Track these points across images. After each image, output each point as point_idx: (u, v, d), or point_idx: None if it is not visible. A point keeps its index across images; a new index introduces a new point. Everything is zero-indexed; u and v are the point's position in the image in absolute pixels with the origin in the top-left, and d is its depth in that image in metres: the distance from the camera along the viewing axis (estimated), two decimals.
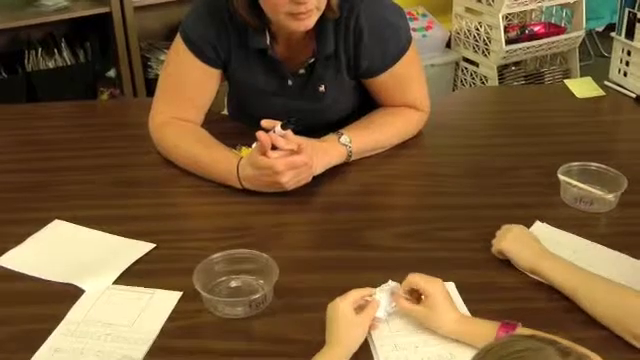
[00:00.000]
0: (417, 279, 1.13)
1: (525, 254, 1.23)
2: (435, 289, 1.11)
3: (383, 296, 1.13)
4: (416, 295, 1.14)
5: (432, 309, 1.10)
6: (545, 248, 1.24)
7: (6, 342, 1.12)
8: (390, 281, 1.16)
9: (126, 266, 1.27)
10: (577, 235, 1.34)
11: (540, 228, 1.36)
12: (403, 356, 1.07)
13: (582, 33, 3.55)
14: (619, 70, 2.03)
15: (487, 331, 1.06)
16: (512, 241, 1.25)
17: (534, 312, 1.15)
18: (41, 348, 1.09)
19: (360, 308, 1.11)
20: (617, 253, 1.29)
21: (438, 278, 1.14)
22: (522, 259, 1.23)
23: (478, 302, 1.15)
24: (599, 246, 1.31)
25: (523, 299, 1.20)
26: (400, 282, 1.15)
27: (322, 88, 1.59)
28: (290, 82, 1.59)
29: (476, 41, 3.48)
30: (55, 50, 3.02)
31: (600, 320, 1.11)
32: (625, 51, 2.02)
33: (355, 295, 1.11)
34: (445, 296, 1.12)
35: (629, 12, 1.97)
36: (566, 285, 1.16)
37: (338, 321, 1.07)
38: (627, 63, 2.01)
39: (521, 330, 1.05)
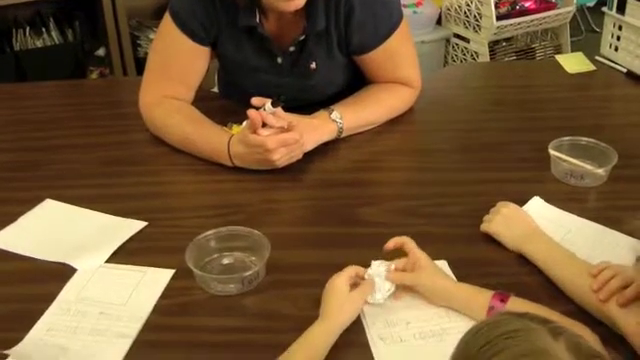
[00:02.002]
0: (410, 242, 1.16)
1: (510, 237, 1.25)
2: (422, 255, 1.15)
3: (377, 280, 1.13)
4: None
5: (425, 271, 1.13)
6: (533, 227, 1.25)
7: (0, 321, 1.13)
8: (374, 262, 1.15)
9: (118, 245, 1.27)
10: (568, 209, 1.35)
11: (537, 204, 1.36)
12: (395, 332, 1.08)
13: (573, 8, 3.54)
14: (610, 45, 2.03)
15: (481, 298, 1.07)
16: (498, 224, 1.26)
17: (526, 286, 1.16)
18: (34, 327, 1.09)
19: (355, 286, 1.11)
20: (612, 231, 1.29)
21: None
22: (507, 243, 1.25)
23: (470, 277, 1.16)
24: (596, 225, 1.31)
25: (516, 274, 1.20)
26: (391, 259, 1.16)
27: (313, 65, 1.59)
28: (280, 60, 1.58)
29: (467, 17, 3.47)
30: (43, 29, 3.00)
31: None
32: (616, 26, 2.01)
33: (351, 271, 1.12)
34: (433, 262, 1.15)
35: None
36: (548, 271, 1.17)
37: (332, 295, 1.08)
38: (618, 38, 2.00)
39: (513, 301, 1.06)
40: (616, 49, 2.01)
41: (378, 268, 1.14)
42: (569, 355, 0.67)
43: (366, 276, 1.13)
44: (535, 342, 0.69)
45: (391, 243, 1.18)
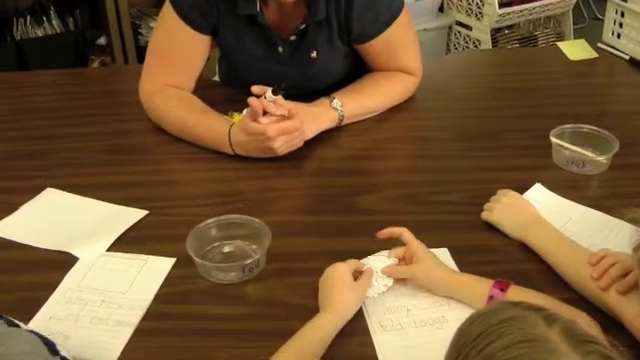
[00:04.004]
0: (407, 234, 1.15)
1: (511, 226, 1.24)
2: (419, 246, 1.14)
3: (374, 275, 1.13)
4: (403, 263, 1.16)
5: (421, 263, 1.12)
6: (534, 215, 1.25)
7: (2, 310, 1.12)
8: (369, 257, 1.15)
9: (119, 233, 1.27)
10: (570, 197, 1.35)
11: (538, 191, 1.36)
12: (396, 319, 1.08)
13: None
14: (612, 32, 2.02)
15: (480, 287, 1.07)
16: (499, 213, 1.26)
17: (527, 273, 1.16)
18: (37, 315, 1.10)
19: (354, 278, 1.11)
20: (614, 219, 1.28)
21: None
22: (508, 231, 1.25)
23: (470, 264, 1.16)
24: (597, 212, 1.31)
25: (517, 261, 1.20)
26: (389, 247, 1.17)
27: (314, 54, 1.58)
28: (280, 48, 1.57)
29: (469, 5, 3.45)
30: (44, 18, 3.00)
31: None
32: (619, 13, 2.00)
33: (353, 264, 1.12)
34: (430, 252, 1.14)
35: None
36: (549, 259, 1.17)
37: (336, 284, 1.08)
38: (621, 25, 2.00)
39: (513, 289, 1.05)
40: (619, 36, 2.00)
41: (374, 263, 1.14)
42: (563, 341, 0.68)
43: (364, 268, 1.13)
44: (529, 329, 0.69)
45: (386, 232, 1.17)
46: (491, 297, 1.05)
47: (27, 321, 1.08)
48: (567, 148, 1.44)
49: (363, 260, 1.14)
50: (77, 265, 1.20)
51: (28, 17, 2.96)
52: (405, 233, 1.16)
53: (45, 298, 1.13)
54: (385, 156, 1.56)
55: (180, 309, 1.12)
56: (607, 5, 2.05)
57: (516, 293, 1.04)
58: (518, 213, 1.26)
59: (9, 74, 2.11)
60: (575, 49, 1.99)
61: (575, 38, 3.07)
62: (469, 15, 3.48)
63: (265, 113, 1.40)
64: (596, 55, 1.97)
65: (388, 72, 1.66)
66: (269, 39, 1.56)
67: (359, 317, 1.08)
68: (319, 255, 1.17)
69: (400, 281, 1.14)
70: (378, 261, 1.14)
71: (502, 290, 1.05)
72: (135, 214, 1.32)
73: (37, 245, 1.25)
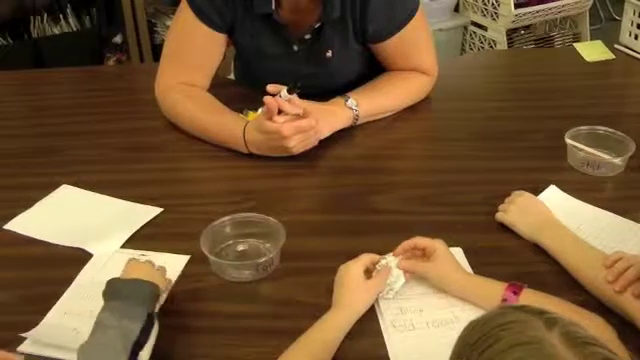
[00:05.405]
0: (420, 239, 1.15)
1: (525, 227, 1.24)
2: (440, 245, 1.14)
3: (390, 274, 1.12)
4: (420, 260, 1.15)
5: (439, 262, 1.12)
6: (549, 217, 1.24)
7: (17, 305, 1.14)
8: (387, 256, 1.15)
9: (134, 230, 1.28)
10: (585, 199, 1.34)
11: (553, 193, 1.35)
12: (408, 319, 1.08)
13: None
14: (630, 33, 2.01)
15: (494, 290, 1.06)
16: (514, 214, 1.26)
17: (541, 275, 1.16)
18: (51, 311, 1.11)
19: (368, 273, 1.11)
20: (629, 222, 1.27)
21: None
22: (523, 232, 1.24)
23: (485, 265, 1.16)
24: (612, 215, 1.30)
25: (531, 262, 1.20)
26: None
27: (329, 53, 1.58)
28: (296, 47, 1.58)
29: (485, 5, 3.44)
30: (61, 16, 3.02)
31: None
32: (636, 13, 1.99)
33: (366, 260, 1.12)
34: (449, 253, 1.14)
35: None
36: (563, 261, 1.16)
37: (348, 283, 1.08)
38: (638, 26, 1.98)
39: (527, 293, 1.05)
40: (636, 37, 1.99)
41: (392, 262, 1.14)
42: (562, 343, 0.66)
43: (378, 267, 1.13)
44: (528, 332, 0.68)
45: (399, 251, 1.15)
46: (504, 300, 1.04)
47: (42, 316, 1.09)
48: (582, 150, 1.44)
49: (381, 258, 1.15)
50: (91, 261, 1.21)
51: (45, 15, 2.99)
52: (418, 241, 1.15)
53: (60, 293, 1.14)
54: (400, 156, 1.56)
55: (194, 306, 1.12)
56: (625, 6, 2.03)
57: (529, 296, 1.04)
58: (532, 215, 1.25)
59: (26, 72, 2.12)
60: (591, 50, 1.98)
61: (592, 39, 3.05)
62: (484, 15, 3.47)
63: (280, 112, 1.40)
64: (613, 56, 1.96)
65: (403, 72, 1.66)
66: (284, 38, 1.56)
67: (372, 317, 1.08)
68: (333, 254, 1.16)
69: (413, 279, 1.14)
70: (395, 261, 1.14)
71: (515, 293, 1.04)
72: (149, 211, 1.33)
73: (52, 241, 1.26)
